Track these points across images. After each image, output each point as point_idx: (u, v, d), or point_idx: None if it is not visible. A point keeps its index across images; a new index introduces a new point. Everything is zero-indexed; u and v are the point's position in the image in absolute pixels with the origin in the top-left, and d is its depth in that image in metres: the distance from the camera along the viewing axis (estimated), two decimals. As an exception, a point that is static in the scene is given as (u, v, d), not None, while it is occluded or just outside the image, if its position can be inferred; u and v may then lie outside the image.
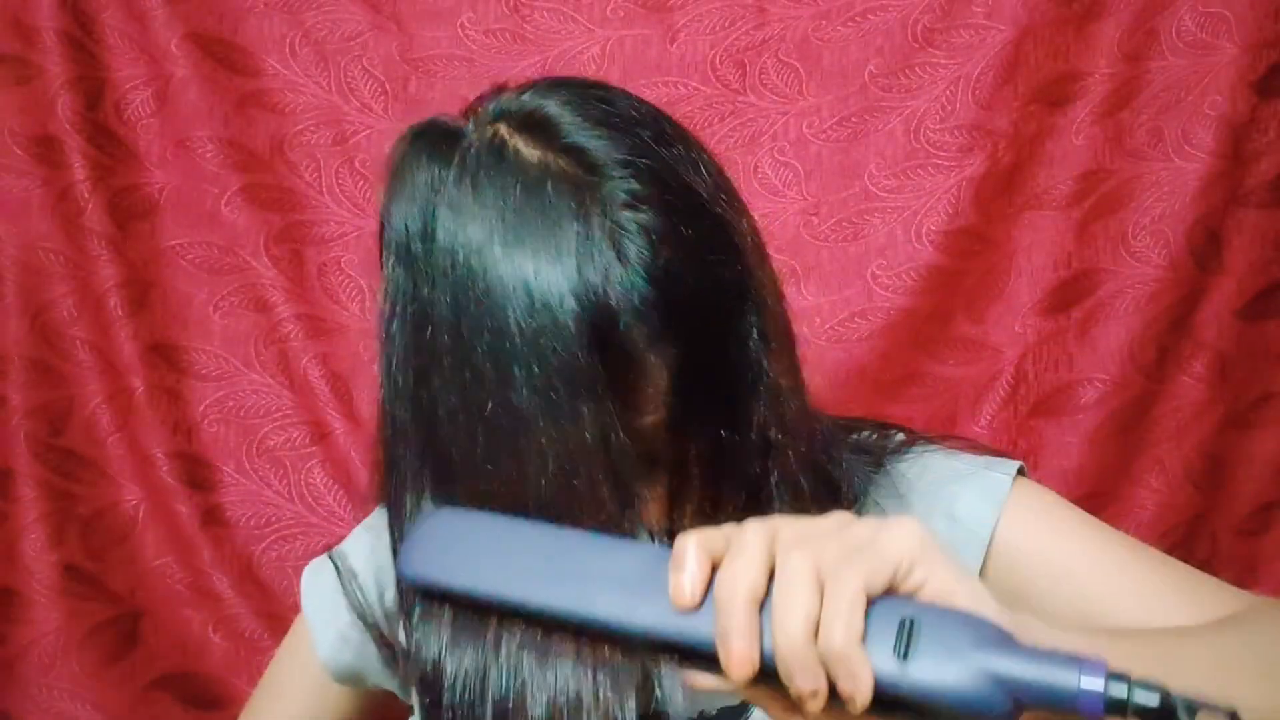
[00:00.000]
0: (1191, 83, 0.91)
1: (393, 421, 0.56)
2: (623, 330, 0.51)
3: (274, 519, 0.94)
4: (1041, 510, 0.66)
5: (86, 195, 0.92)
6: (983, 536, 0.64)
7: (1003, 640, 0.38)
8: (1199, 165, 0.91)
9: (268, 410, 0.95)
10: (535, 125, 0.54)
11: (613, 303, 0.51)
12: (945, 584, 0.40)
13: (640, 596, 0.41)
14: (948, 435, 0.73)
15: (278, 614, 0.91)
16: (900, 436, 0.72)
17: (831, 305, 0.94)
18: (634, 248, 0.51)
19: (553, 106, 0.54)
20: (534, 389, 0.51)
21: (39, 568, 0.89)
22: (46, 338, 0.92)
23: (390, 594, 0.71)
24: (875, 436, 0.71)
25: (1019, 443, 0.93)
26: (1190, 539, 0.94)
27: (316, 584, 0.73)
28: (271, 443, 0.95)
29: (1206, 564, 0.94)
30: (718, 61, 0.96)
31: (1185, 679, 0.39)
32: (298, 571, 0.92)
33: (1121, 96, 0.93)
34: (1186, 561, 0.90)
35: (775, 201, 0.95)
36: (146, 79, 0.95)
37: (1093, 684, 0.36)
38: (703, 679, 0.41)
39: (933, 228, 0.93)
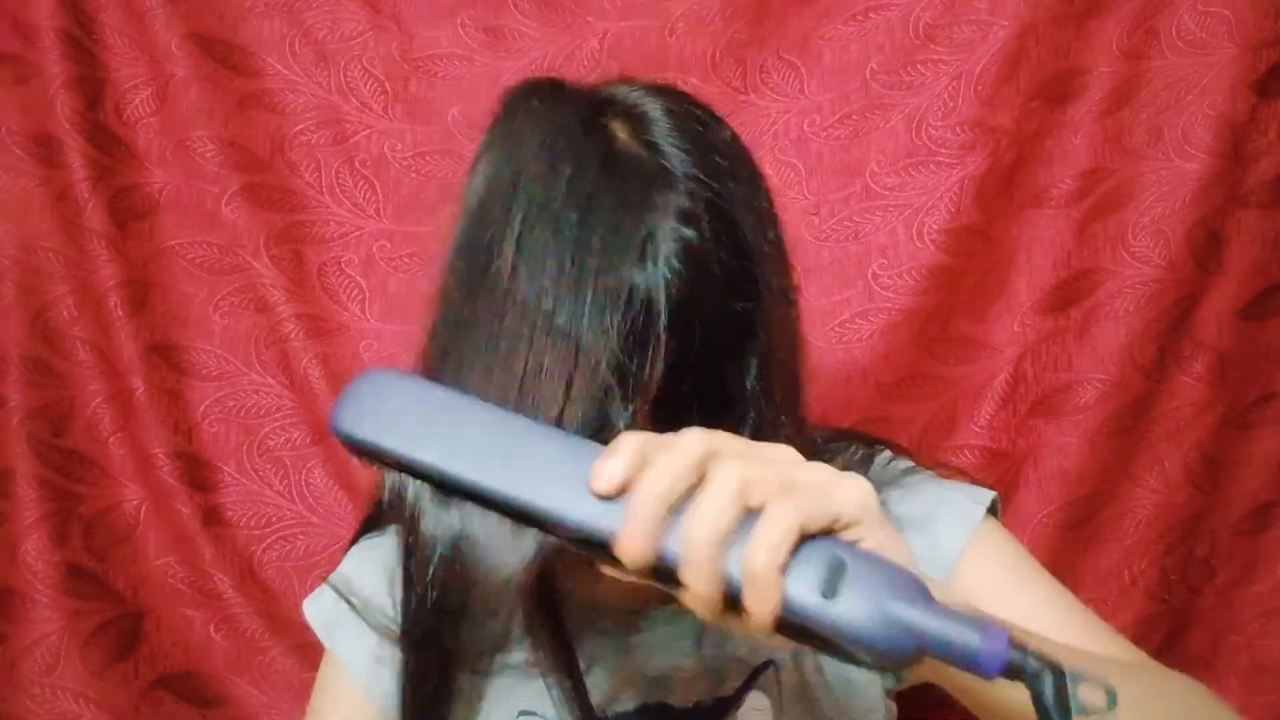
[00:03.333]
0: (1191, 82, 0.91)
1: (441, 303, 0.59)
2: (632, 315, 0.53)
3: (274, 519, 0.94)
4: (1002, 551, 0.69)
5: (86, 195, 0.92)
6: (950, 560, 0.67)
7: (921, 594, 0.41)
8: (1199, 165, 0.91)
9: (268, 410, 0.95)
10: (634, 116, 0.58)
11: (635, 287, 0.53)
12: (879, 545, 0.42)
13: (558, 482, 0.42)
14: (937, 463, 0.74)
15: (278, 614, 0.91)
16: (885, 455, 0.73)
17: (833, 306, 0.94)
18: (665, 254, 0.54)
19: (655, 108, 0.59)
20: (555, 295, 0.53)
21: (41, 567, 0.89)
22: (47, 338, 0.92)
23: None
24: (860, 455, 0.72)
25: (1018, 442, 0.93)
26: (1189, 538, 0.94)
27: (325, 615, 0.74)
28: (272, 443, 0.95)
29: (1205, 562, 0.95)
30: (717, 58, 0.96)
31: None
32: (298, 571, 0.93)
33: (1122, 95, 0.92)
34: (1187, 561, 0.93)
35: (776, 201, 0.95)
36: (146, 79, 0.94)
37: (994, 646, 0.40)
38: (608, 568, 0.43)
39: (934, 226, 0.93)
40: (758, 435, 0.57)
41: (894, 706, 0.73)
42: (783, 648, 0.68)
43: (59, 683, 0.89)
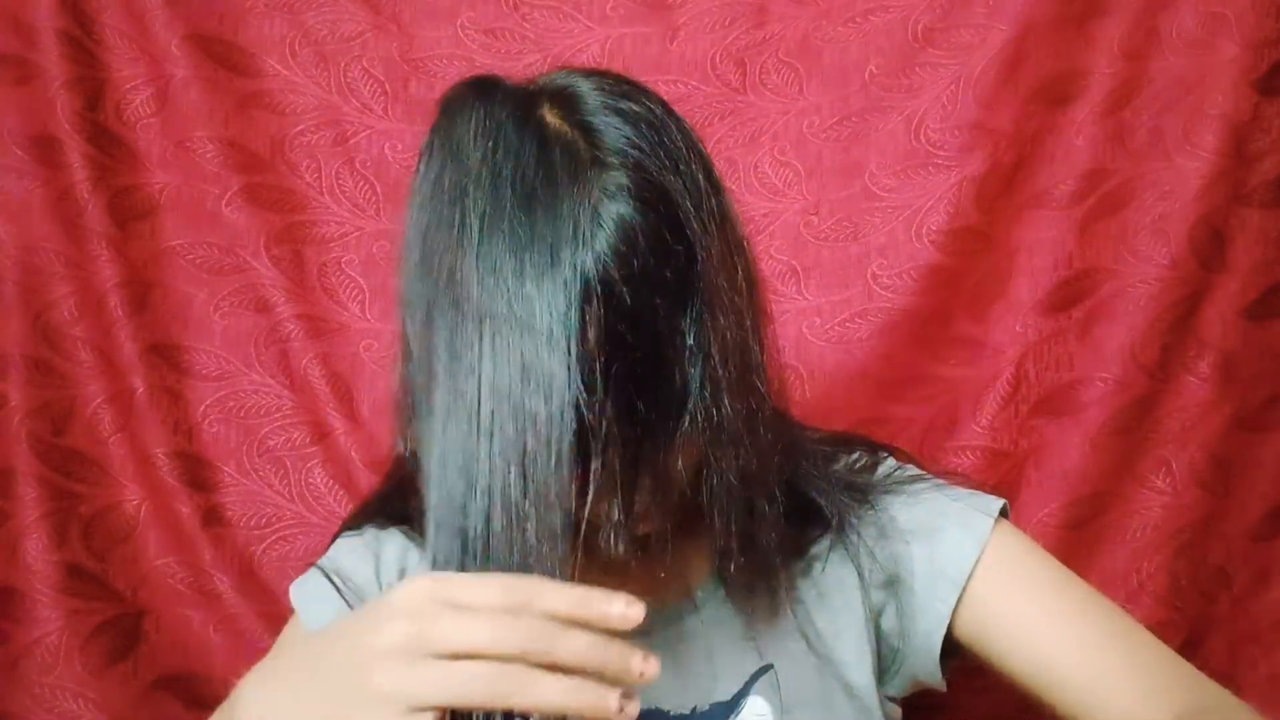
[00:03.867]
0: (1193, 82, 0.91)
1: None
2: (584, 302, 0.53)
3: (274, 519, 0.94)
4: (1015, 565, 0.67)
5: (86, 195, 0.92)
6: (959, 580, 0.66)
7: None
8: (1201, 164, 0.90)
9: (268, 410, 0.95)
10: (564, 98, 0.59)
11: (583, 272, 0.53)
12: None
13: None
14: (944, 471, 0.74)
15: (278, 614, 0.91)
16: (890, 462, 0.72)
17: (832, 305, 0.93)
18: (602, 234, 0.54)
19: (584, 86, 0.59)
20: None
21: (41, 567, 0.89)
22: (47, 338, 0.92)
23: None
24: (864, 462, 0.71)
25: (1020, 443, 0.92)
26: (1202, 542, 0.93)
27: (311, 597, 0.74)
28: (272, 443, 0.95)
29: (1220, 569, 0.94)
30: (718, 60, 0.96)
31: None
32: (298, 571, 0.92)
33: (1122, 95, 0.92)
34: (1200, 567, 0.92)
35: (775, 201, 0.95)
36: (147, 79, 0.95)
37: None
38: None
39: (933, 227, 0.92)
40: (712, 432, 0.57)
41: (898, 710, 0.73)
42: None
43: (58, 682, 0.89)
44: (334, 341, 0.96)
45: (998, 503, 0.69)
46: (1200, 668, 0.92)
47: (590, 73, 0.61)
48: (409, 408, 0.61)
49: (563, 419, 0.52)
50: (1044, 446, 0.93)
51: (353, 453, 0.94)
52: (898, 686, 0.72)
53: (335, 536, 0.79)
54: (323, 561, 0.75)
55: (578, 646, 0.48)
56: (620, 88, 0.60)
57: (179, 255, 0.96)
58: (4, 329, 0.91)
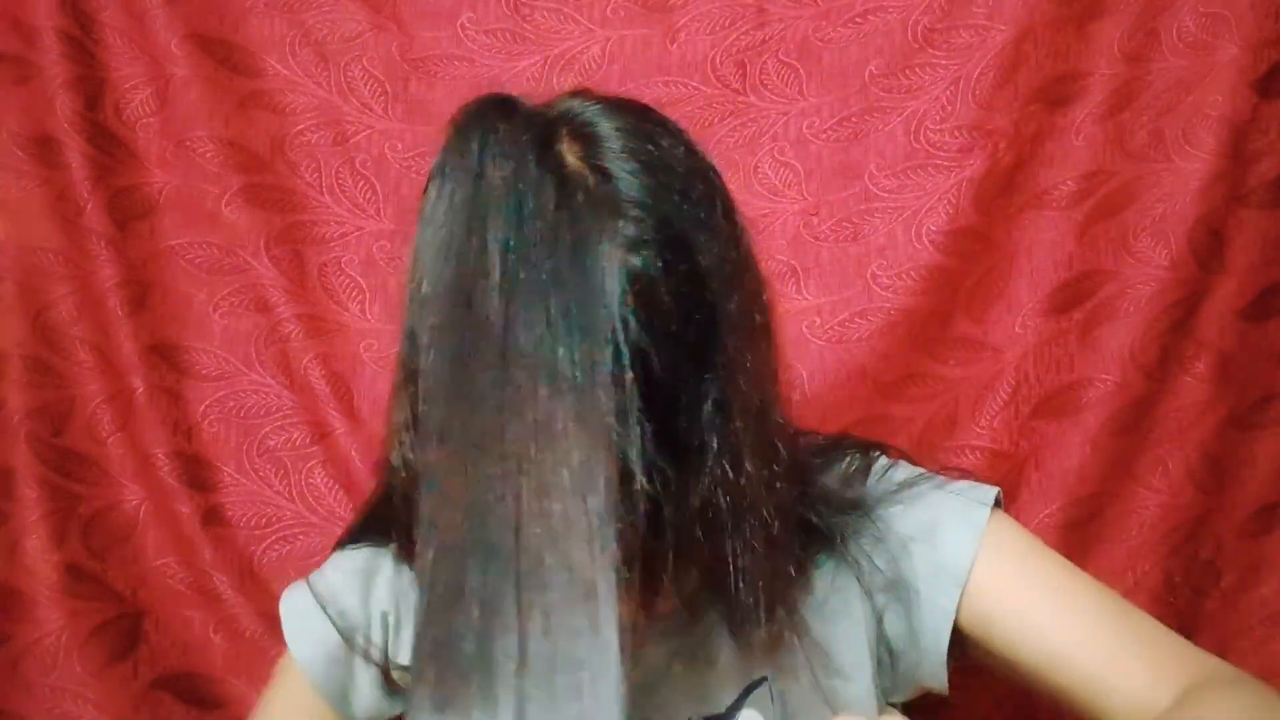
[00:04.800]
0: (1192, 83, 0.91)
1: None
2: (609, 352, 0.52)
3: (274, 519, 0.94)
4: (1014, 553, 0.68)
5: (86, 195, 0.92)
6: (961, 574, 0.66)
7: None
8: (1200, 165, 0.90)
9: (268, 410, 0.95)
10: (584, 137, 0.57)
11: (603, 323, 0.52)
12: None
13: None
14: (938, 465, 0.74)
15: (278, 614, 0.91)
16: (883, 461, 0.73)
17: (832, 305, 0.93)
18: (616, 285, 0.52)
19: (606, 127, 0.57)
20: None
21: (41, 567, 0.89)
22: (47, 338, 0.92)
23: (377, 622, 0.72)
24: (857, 465, 0.71)
25: (1020, 443, 0.92)
26: (1193, 539, 0.93)
27: (295, 610, 0.74)
28: (272, 443, 0.95)
29: (1210, 564, 0.94)
30: (718, 61, 0.96)
31: None
32: (299, 572, 0.92)
33: (1122, 97, 0.92)
34: (1191, 563, 0.92)
35: (775, 201, 0.95)
36: (146, 79, 0.95)
37: None
38: None
39: (933, 228, 0.93)
40: (714, 474, 0.56)
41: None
42: None
43: (58, 682, 0.89)
44: (334, 341, 0.96)
45: (991, 491, 0.70)
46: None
47: (610, 108, 0.59)
48: (409, 428, 0.59)
49: (593, 472, 0.50)
50: (1044, 447, 0.93)
51: (353, 453, 0.94)
52: (901, 693, 0.72)
53: (338, 545, 0.79)
54: (315, 581, 0.76)
55: None
56: (642, 127, 0.59)
57: (179, 255, 0.95)
58: (3, 329, 0.91)
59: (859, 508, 0.69)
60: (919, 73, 0.95)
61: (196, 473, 0.94)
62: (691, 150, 0.60)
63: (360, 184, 0.96)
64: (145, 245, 0.95)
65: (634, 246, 0.54)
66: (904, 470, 0.72)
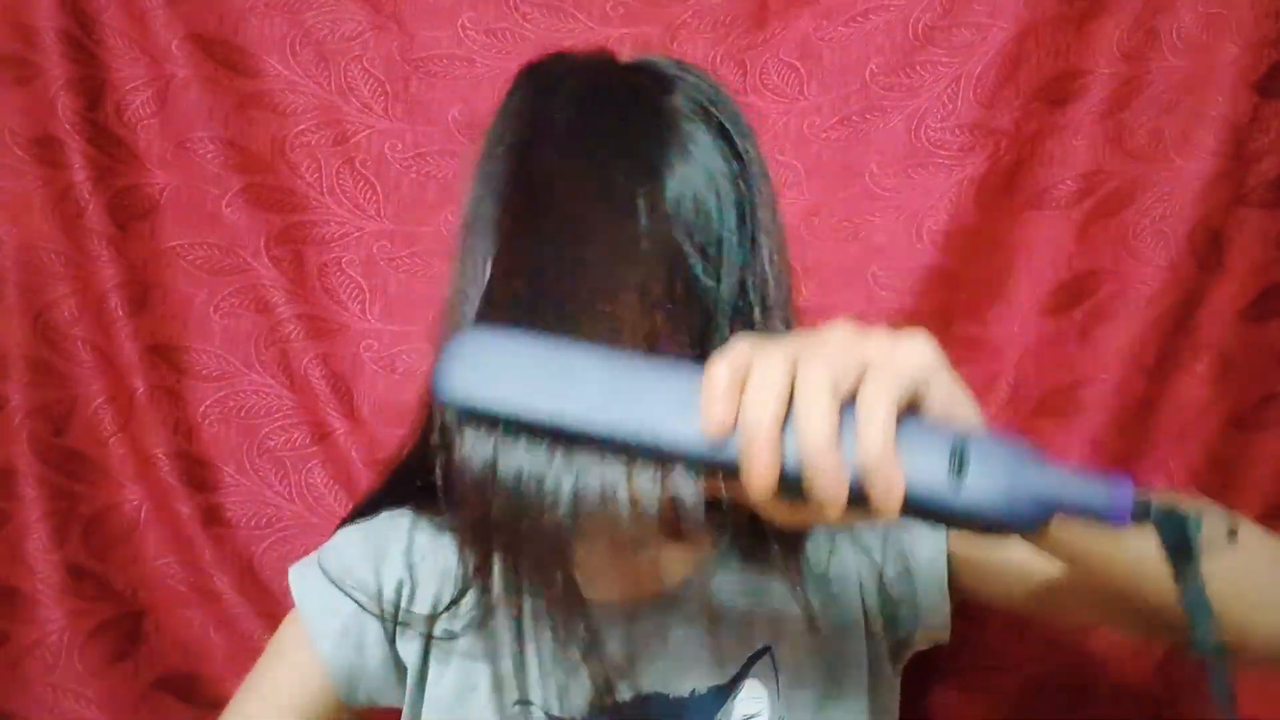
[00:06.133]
0: (1192, 83, 0.91)
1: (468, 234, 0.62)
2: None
3: (274, 519, 0.94)
4: None
5: (87, 195, 0.92)
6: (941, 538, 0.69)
7: (1036, 459, 0.43)
8: (1200, 165, 0.90)
9: (268, 410, 0.95)
10: (637, 63, 0.65)
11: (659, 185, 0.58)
12: (950, 400, 0.45)
13: (674, 419, 0.44)
14: None
15: (278, 614, 0.91)
16: None
17: (832, 305, 0.93)
18: (688, 147, 0.60)
19: (654, 58, 0.66)
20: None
21: (42, 567, 0.89)
22: (48, 338, 0.92)
23: (390, 589, 0.72)
24: None
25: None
26: (1197, 541, 0.93)
27: (308, 583, 0.74)
28: (272, 443, 0.95)
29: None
30: (718, 60, 0.96)
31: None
32: (299, 572, 0.93)
33: (1122, 97, 0.92)
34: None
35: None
36: (147, 79, 0.95)
37: (1120, 498, 0.42)
38: (730, 488, 0.46)
39: (934, 227, 0.93)
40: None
41: (896, 691, 0.73)
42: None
43: (59, 682, 0.89)
44: (334, 342, 0.96)
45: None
46: (1195, 663, 0.92)
47: (681, 64, 0.67)
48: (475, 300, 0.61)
49: (637, 290, 0.55)
50: (1044, 447, 0.93)
51: (353, 453, 0.94)
52: (909, 644, 0.73)
53: (352, 514, 0.78)
54: (326, 554, 0.75)
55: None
56: (689, 66, 0.66)
57: (179, 255, 0.95)
58: (4, 329, 0.91)
59: None
60: (920, 71, 0.95)
61: (197, 473, 0.94)
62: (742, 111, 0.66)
63: (360, 184, 0.96)
64: (146, 245, 0.95)
65: (692, 112, 0.60)
66: None
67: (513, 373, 0.45)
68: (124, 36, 0.94)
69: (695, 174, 0.58)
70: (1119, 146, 0.93)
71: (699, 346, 0.57)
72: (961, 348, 0.94)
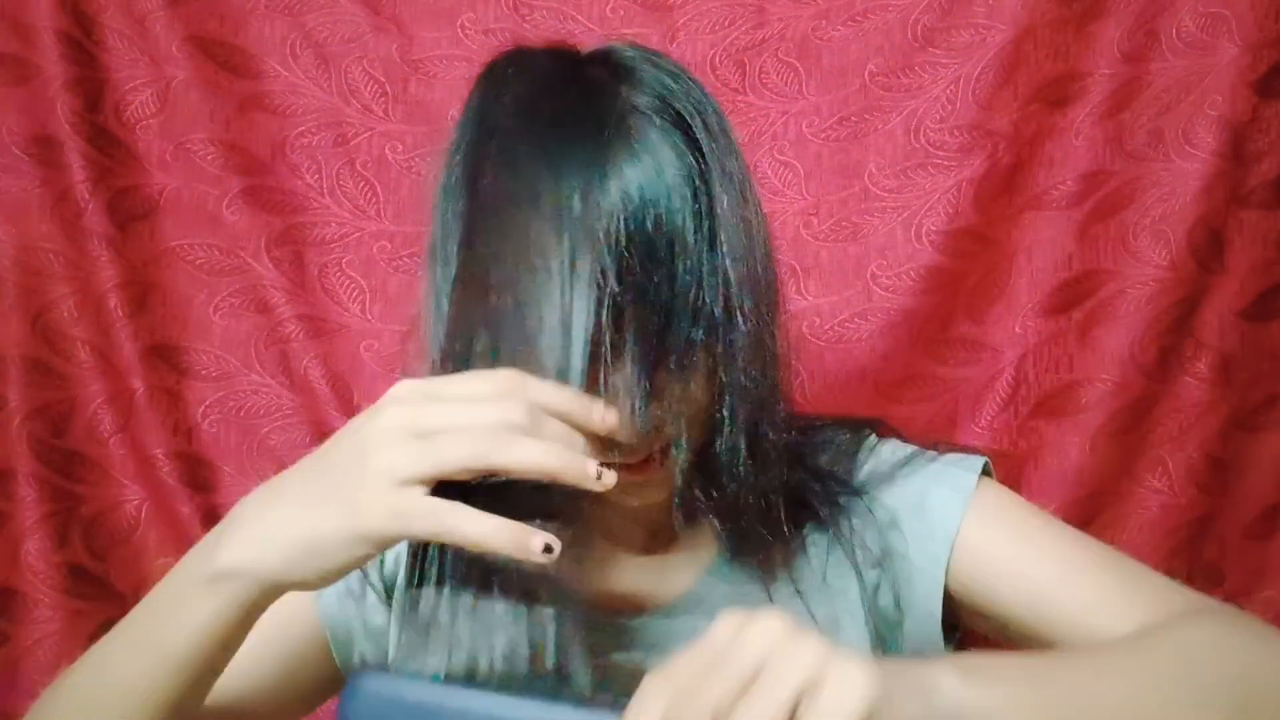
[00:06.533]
0: (1192, 83, 0.91)
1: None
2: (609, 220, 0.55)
3: (274, 519, 0.94)
4: (1001, 510, 0.68)
5: (86, 196, 0.92)
6: (948, 536, 0.67)
7: None
8: (1200, 165, 0.91)
9: (268, 411, 0.95)
10: (602, 53, 0.62)
11: (605, 169, 0.55)
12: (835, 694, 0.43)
13: None
14: (929, 441, 0.74)
15: (278, 614, 0.92)
16: (873, 439, 0.73)
17: (831, 306, 0.94)
18: (633, 145, 0.56)
19: (618, 46, 0.62)
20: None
21: (42, 568, 0.90)
22: (48, 338, 0.92)
23: (390, 560, 0.72)
24: (848, 442, 0.72)
25: (1019, 443, 0.93)
26: (1197, 541, 0.93)
27: None
28: (272, 443, 0.95)
29: (1214, 565, 0.94)
30: (717, 61, 0.96)
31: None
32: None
33: (1122, 97, 0.92)
34: (1194, 564, 0.93)
35: (775, 201, 0.95)
36: (147, 81, 0.95)
37: None
38: None
39: (933, 228, 0.93)
40: (725, 347, 0.58)
41: None
42: None
43: (60, 682, 0.89)
44: (334, 342, 0.96)
45: (980, 460, 0.70)
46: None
47: (635, 45, 0.64)
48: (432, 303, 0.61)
49: (586, 297, 0.54)
50: (1043, 447, 0.93)
51: (353, 453, 0.94)
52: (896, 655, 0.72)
53: None
54: None
55: (556, 430, 0.52)
56: (653, 53, 0.62)
57: (179, 256, 0.96)
58: (4, 330, 0.91)
59: (847, 486, 0.69)
60: (919, 72, 0.95)
61: (197, 473, 0.94)
62: (701, 86, 0.63)
63: (360, 185, 0.96)
64: (145, 246, 0.95)
65: (647, 109, 0.57)
66: (892, 446, 0.73)
67: None
68: (124, 38, 0.94)
69: (642, 173, 0.56)
70: (1119, 147, 0.93)
71: (659, 347, 0.56)
72: (961, 348, 0.94)
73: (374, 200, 0.97)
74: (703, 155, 0.58)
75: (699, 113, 0.60)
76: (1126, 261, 0.93)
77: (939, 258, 0.92)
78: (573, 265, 0.54)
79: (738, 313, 0.58)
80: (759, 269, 0.61)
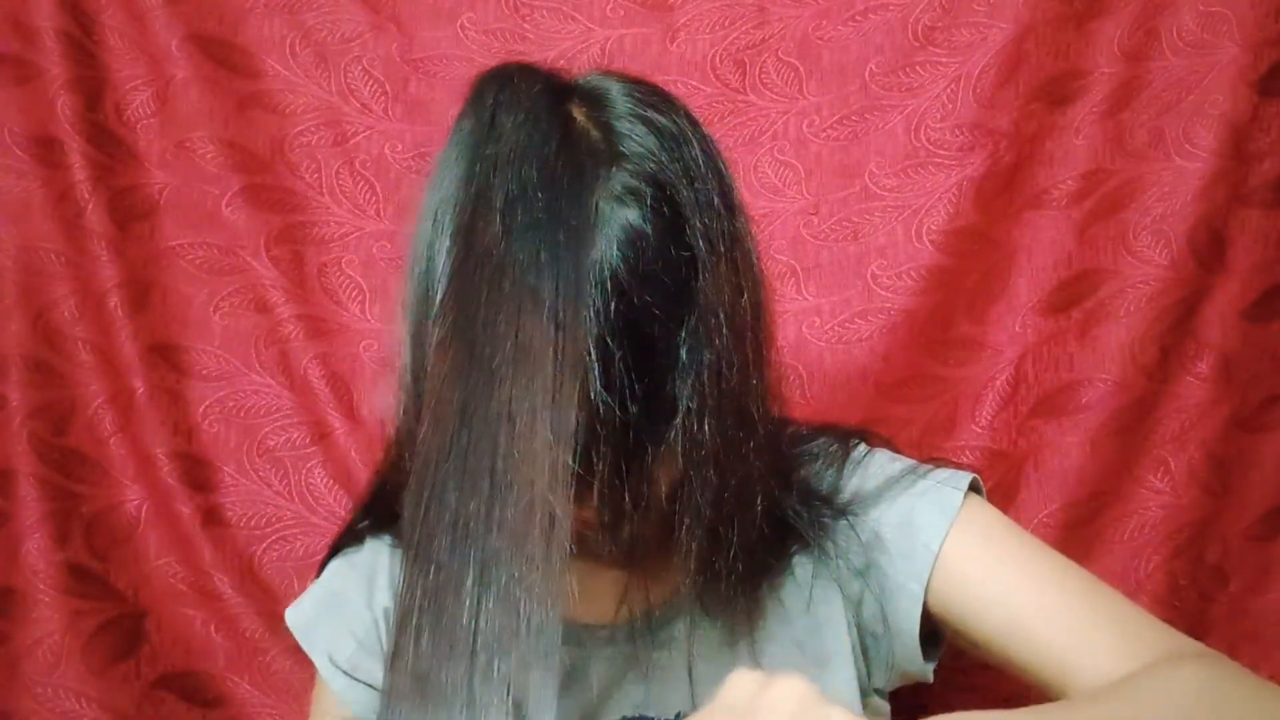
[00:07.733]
0: (1192, 82, 0.91)
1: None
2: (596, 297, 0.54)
3: (274, 519, 0.94)
4: (986, 531, 0.68)
5: (86, 196, 0.92)
6: (930, 552, 0.67)
7: None
8: (1200, 165, 0.90)
9: (268, 410, 0.95)
10: (594, 98, 0.60)
11: (594, 267, 0.54)
12: None
13: None
14: (932, 457, 0.74)
15: (278, 614, 0.90)
16: (861, 448, 0.73)
17: (831, 306, 0.94)
18: (612, 233, 0.55)
19: (617, 92, 0.60)
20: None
21: (43, 567, 0.90)
22: (48, 338, 0.92)
23: (382, 620, 0.72)
24: (836, 455, 0.72)
25: (1019, 443, 0.92)
26: (1199, 542, 0.93)
27: (305, 622, 0.74)
28: (272, 443, 0.95)
29: (1217, 568, 0.93)
30: (717, 61, 0.96)
31: None
32: (298, 571, 0.93)
33: (1122, 96, 0.92)
34: (1197, 566, 0.92)
35: (775, 201, 0.95)
36: (147, 80, 0.95)
37: None
38: None
39: (933, 227, 0.93)
40: (692, 450, 0.57)
41: (886, 705, 0.73)
42: None
43: (60, 682, 0.89)
44: (334, 342, 0.96)
45: (968, 477, 0.70)
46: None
47: (625, 79, 0.62)
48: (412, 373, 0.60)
49: (566, 400, 0.52)
50: (1043, 447, 0.93)
51: (353, 453, 0.94)
52: (884, 679, 0.72)
53: (333, 549, 0.79)
54: (314, 586, 0.76)
55: None
56: (650, 98, 0.61)
57: (179, 256, 0.96)
58: (4, 329, 0.91)
59: (832, 505, 0.69)
60: (919, 71, 0.94)
61: (197, 473, 0.94)
62: (696, 125, 0.62)
63: (360, 184, 0.96)
64: (146, 246, 0.95)
65: (627, 197, 0.56)
66: (881, 459, 0.73)
67: None
68: (124, 36, 0.94)
69: (628, 272, 0.54)
70: (1119, 146, 0.93)
71: (640, 455, 0.56)
72: (961, 347, 0.94)
73: (374, 200, 0.97)
74: (684, 241, 0.57)
75: (689, 181, 0.59)
76: (1127, 261, 0.92)
77: (940, 257, 0.92)
78: (561, 377, 0.52)
79: (723, 407, 0.58)
80: (751, 355, 0.61)
